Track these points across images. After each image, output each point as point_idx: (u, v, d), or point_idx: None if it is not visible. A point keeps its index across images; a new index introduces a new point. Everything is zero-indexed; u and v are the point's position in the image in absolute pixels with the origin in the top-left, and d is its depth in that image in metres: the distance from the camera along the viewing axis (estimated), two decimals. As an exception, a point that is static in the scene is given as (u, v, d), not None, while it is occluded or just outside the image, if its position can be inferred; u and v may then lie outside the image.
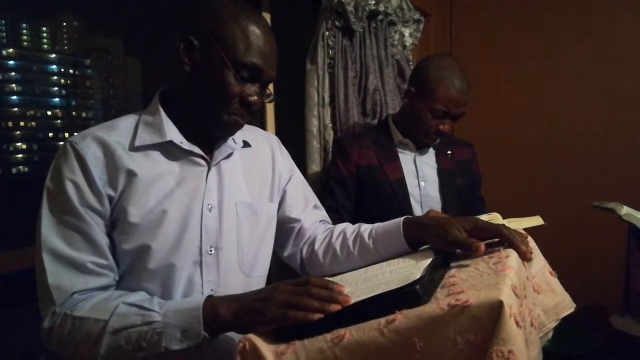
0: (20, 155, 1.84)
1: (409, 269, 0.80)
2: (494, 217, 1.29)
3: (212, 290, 0.92)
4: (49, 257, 0.83)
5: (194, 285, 0.91)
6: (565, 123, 2.42)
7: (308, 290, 0.74)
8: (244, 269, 0.98)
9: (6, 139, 1.79)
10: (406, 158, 1.61)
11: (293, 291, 0.75)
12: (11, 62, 1.83)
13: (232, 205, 0.97)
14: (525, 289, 0.75)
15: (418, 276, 0.72)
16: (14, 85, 1.83)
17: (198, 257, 0.91)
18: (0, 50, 1.78)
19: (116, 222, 0.87)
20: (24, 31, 1.92)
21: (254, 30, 0.87)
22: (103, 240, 0.86)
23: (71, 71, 2.02)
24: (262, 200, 1.04)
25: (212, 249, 0.93)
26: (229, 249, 0.95)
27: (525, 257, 0.80)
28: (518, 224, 1.27)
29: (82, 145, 0.86)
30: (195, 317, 0.76)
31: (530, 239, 0.89)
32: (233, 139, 0.98)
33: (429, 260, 0.80)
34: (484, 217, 1.28)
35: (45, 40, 1.98)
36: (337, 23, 1.74)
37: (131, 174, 0.87)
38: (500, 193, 1.84)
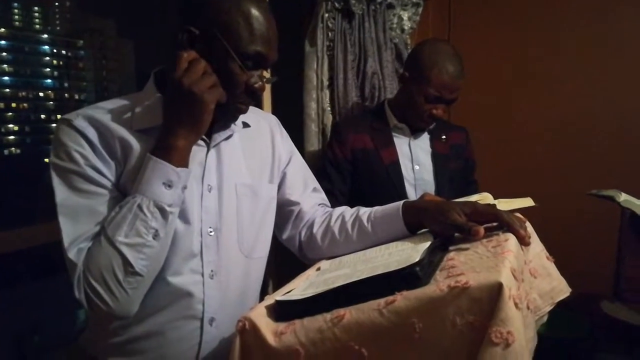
0: (12, 137, 1.83)
1: (408, 252, 0.80)
2: (485, 197, 1.30)
3: (212, 271, 0.92)
4: (64, 212, 0.82)
5: (194, 265, 0.91)
6: (562, 110, 2.43)
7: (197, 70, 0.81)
8: (244, 250, 0.98)
9: (-2, 121, 1.77)
10: (401, 142, 1.62)
11: (196, 80, 0.80)
12: (2, 42, 1.80)
13: (232, 186, 0.96)
14: (523, 272, 0.75)
15: (418, 258, 0.72)
16: (5, 66, 1.80)
17: (199, 237, 0.91)
18: (-9, 31, 1.74)
19: (122, 192, 0.87)
20: (16, 11, 1.88)
21: (257, 16, 0.85)
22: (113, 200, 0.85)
23: (64, 52, 1.99)
24: (262, 182, 1.03)
25: (212, 229, 0.93)
26: (229, 230, 0.95)
27: (523, 241, 0.81)
28: (509, 205, 1.28)
29: (78, 122, 0.85)
30: (160, 165, 0.81)
31: (528, 224, 0.90)
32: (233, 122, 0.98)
33: (427, 244, 0.80)
34: (475, 197, 1.29)
35: (37, 21, 1.95)
36: (336, 5, 1.73)
37: (129, 152, 0.87)
38: (496, 179, 1.84)
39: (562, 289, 0.89)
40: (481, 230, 0.81)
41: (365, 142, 1.59)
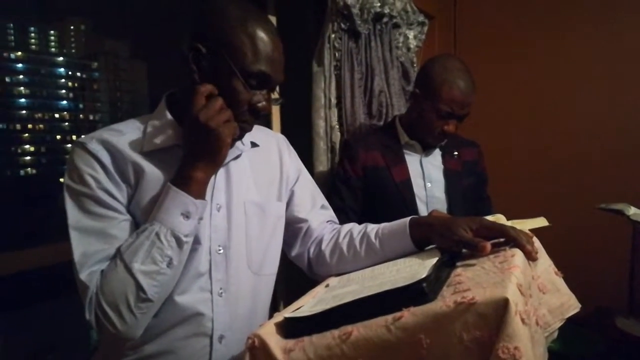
0: (28, 158, 1.87)
1: (415, 268, 0.81)
2: (498, 218, 1.30)
3: (221, 289, 0.93)
4: (76, 234, 0.84)
5: (203, 283, 0.92)
6: (570, 124, 2.42)
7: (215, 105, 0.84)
8: (252, 268, 0.99)
9: (15, 141, 1.81)
10: (412, 159, 1.62)
11: (213, 116, 0.83)
12: (19, 65, 1.86)
13: (241, 205, 0.98)
14: (531, 288, 0.75)
15: (425, 274, 0.73)
16: (22, 88, 1.85)
17: (207, 255, 0.92)
18: (9, 54, 1.80)
19: (133, 216, 0.89)
20: (32, 34, 1.95)
21: (262, 37, 0.87)
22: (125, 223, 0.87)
23: (79, 74, 2.04)
24: (270, 200, 1.05)
25: (221, 248, 0.94)
26: (238, 248, 0.96)
27: (530, 256, 0.81)
28: (522, 225, 1.28)
29: (92, 145, 0.87)
30: (179, 196, 0.84)
31: (535, 239, 0.90)
32: (241, 140, 1.00)
33: (435, 260, 0.81)
34: (489, 219, 1.29)
35: (53, 44, 2.01)
36: (342, 25, 1.75)
37: (141, 174, 0.89)
38: (505, 194, 1.84)
39: (572, 305, 0.89)
40: (488, 245, 0.82)
41: (376, 160, 1.59)
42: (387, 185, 1.57)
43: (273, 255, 1.05)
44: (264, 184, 1.04)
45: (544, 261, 0.90)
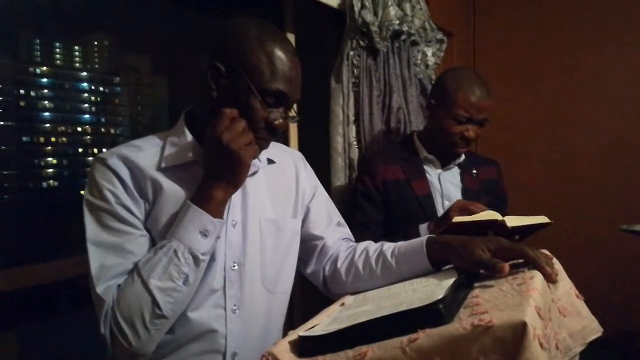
0: (50, 170, 1.90)
1: (431, 288, 0.80)
2: (490, 214, 1.27)
3: (234, 305, 0.93)
4: (94, 248, 0.85)
5: (217, 300, 0.92)
6: (590, 139, 2.39)
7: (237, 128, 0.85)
8: (267, 285, 0.99)
9: (38, 154, 1.85)
10: (431, 175, 1.61)
11: (235, 138, 0.84)
12: (44, 79, 1.90)
13: (256, 221, 0.98)
14: (551, 311, 0.74)
15: (441, 295, 0.72)
16: (46, 102, 1.89)
17: (222, 272, 0.93)
18: (35, 69, 1.85)
19: (149, 231, 0.90)
20: (57, 50, 1.99)
21: (280, 55, 0.89)
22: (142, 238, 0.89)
23: (101, 89, 2.08)
24: (285, 217, 1.05)
25: (236, 264, 0.94)
26: (253, 265, 0.97)
27: (550, 279, 0.79)
28: (520, 221, 1.25)
29: (112, 161, 0.89)
30: (199, 214, 0.85)
31: (555, 261, 0.88)
32: (258, 157, 1.00)
33: (452, 280, 0.80)
34: (484, 215, 1.26)
35: (77, 59, 2.05)
36: (361, 43, 1.77)
37: (159, 191, 0.90)
38: (522, 209, 1.81)
39: (593, 328, 0.86)
40: (506, 267, 0.80)
41: (396, 174, 1.58)
42: (408, 199, 1.56)
43: (288, 272, 1.05)
44: (279, 200, 1.05)
45: (565, 283, 0.88)
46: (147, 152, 0.93)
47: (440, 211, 1.57)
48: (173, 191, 0.91)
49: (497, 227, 1.24)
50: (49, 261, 1.42)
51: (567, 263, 0.92)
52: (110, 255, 0.85)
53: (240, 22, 0.91)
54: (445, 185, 1.61)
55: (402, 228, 1.50)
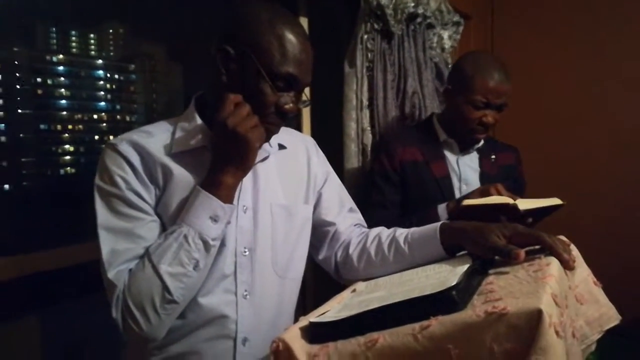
0: (68, 157, 1.92)
1: (445, 275, 0.79)
2: (502, 198, 1.24)
3: (245, 291, 0.93)
4: (105, 233, 0.86)
5: (228, 285, 0.92)
6: (614, 125, 2.33)
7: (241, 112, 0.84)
8: (278, 271, 0.99)
9: (55, 142, 1.87)
10: (449, 158, 1.59)
11: (240, 122, 0.83)
12: (61, 67, 1.92)
13: (267, 207, 0.98)
14: (567, 298, 0.72)
15: (454, 282, 0.71)
16: (63, 90, 1.91)
17: (233, 257, 0.93)
18: (51, 57, 1.86)
19: (160, 217, 0.90)
20: (73, 38, 2.00)
21: (290, 38, 0.87)
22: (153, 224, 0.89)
23: (116, 76, 2.09)
24: (297, 202, 1.04)
25: (246, 249, 0.94)
26: (263, 251, 0.96)
27: (567, 265, 0.78)
28: (533, 203, 1.23)
29: (123, 147, 0.89)
30: (208, 199, 0.84)
31: (573, 247, 0.86)
32: (269, 142, 0.99)
33: (466, 267, 0.79)
34: (494, 198, 1.24)
35: (92, 47, 2.06)
36: (375, 26, 1.73)
37: (169, 176, 0.90)
38: (540, 191, 1.78)
39: (611, 316, 0.85)
40: (522, 253, 0.79)
41: (415, 155, 1.56)
42: (426, 180, 1.54)
43: (299, 258, 1.05)
44: (291, 186, 1.04)
45: (582, 270, 0.86)
46: (157, 137, 0.93)
47: (457, 195, 1.56)
48: (183, 176, 0.90)
49: (509, 210, 1.22)
50: (67, 246, 1.44)
51: (585, 249, 0.90)
52: (121, 240, 0.85)
53: (251, 5, 0.90)
54: (464, 168, 1.58)
55: (419, 209, 1.49)
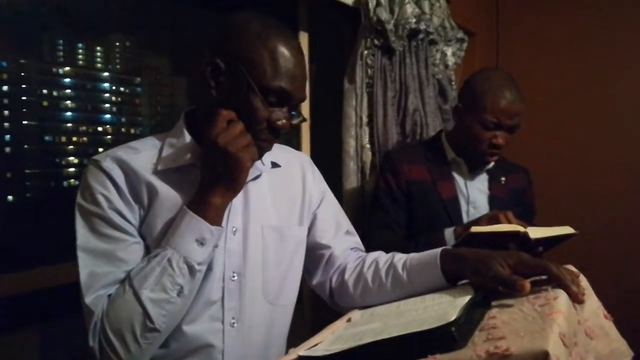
0: (72, 170, 1.91)
1: (444, 307, 0.74)
2: (513, 226, 1.19)
3: (233, 318, 0.89)
4: (84, 255, 0.82)
5: (215, 312, 0.88)
6: (621, 141, 2.28)
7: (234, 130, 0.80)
8: (268, 297, 0.94)
9: (59, 153, 1.86)
10: (457, 180, 1.53)
11: (232, 140, 0.79)
12: (67, 79, 1.92)
13: (258, 228, 0.93)
14: (576, 334, 0.67)
15: (455, 316, 0.66)
16: (68, 102, 1.91)
17: (220, 282, 0.88)
18: (58, 69, 1.87)
19: (143, 238, 0.86)
20: (80, 51, 2.01)
21: (283, 52, 0.84)
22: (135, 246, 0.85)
23: (122, 89, 2.09)
24: (290, 224, 1.00)
25: (235, 274, 0.89)
26: (253, 275, 0.92)
27: (576, 299, 0.72)
28: (544, 232, 1.18)
29: (106, 164, 0.85)
30: (195, 221, 0.80)
31: (582, 278, 0.81)
32: (261, 160, 0.96)
33: (467, 298, 0.74)
34: (504, 226, 1.19)
35: (99, 59, 2.07)
36: (376, 42, 1.71)
37: (154, 195, 0.86)
38: (549, 217, 1.73)
39: (623, 352, 0.79)
40: (527, 285, 0.73)
41: (422, 174, 1.51)
42: (432, 201, 1.49)
43: (291, 283, 1.00)
44: (284, 206, 1.00)
45: (592, 303, 0.81)
46: (144, 154, 0.89)
47: (465, 218, 1.50)
48: (169, 195, 0.86)
49: (519, 238, 1.17)
50: (70, 260, 1.41)
51: (595, 280, 0.85)
52: (100, 263, 0.81)
53: (241, 17, 0.86)
54: (472, 190, 1.53)
55: (424, 231, 1.43)
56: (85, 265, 0.81)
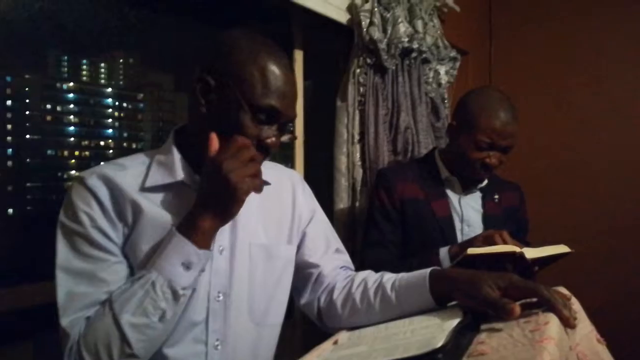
0: (74, 184, 1.92)
1: (432, 331, 0.72)
2: (509, 247, 1.17)
3: (217, 340, 0.86)
4: (63, 275, 0.80)
5: (198, 334, 0.85)
6: (613, 159, 2.27)
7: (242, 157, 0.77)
8: (255, 317, 0.92)
9: (62, 168, 1.87)
10: (451, 198, 1.51)
11: (237, 168, 0.76)
12: (70, 95, 1.94)
13: (246, 247, 0.91)
14: (568, 360, 0.65)
15: (442, 341, 0.64)
16: (71, 117, 1.93)
17: (205, 302, 0.86)
18: (62, 84, 1.89)
19: (127, 257, 0.84)
20: (84, 67, 2.03)
21: (273, 70, 0.83)
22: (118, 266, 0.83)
23: (125, 105, 2.11)
24: (279, 242, 0.98)
25: (220, 294, 0.87)
26: (239, 295, 0.89)
27: (567, 323, 0.70)
28: (540, 252, 1.16)
29: (91, 181, 0.83)
30: (182, 243, 0.77)
31: (574, 300, 0.79)
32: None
33: (456, 321, 0.72)
34: (500, 247, 1.17)
35: (102, 76, 2.09)
36: (368, 60, 1.71)
37: (139, 214, 0.84)
38: (545, 235, 1.71)
39: (617, 377, 0.77)
40: (517, 308, 0.71)
41: (415, 192, 1.49)
42: (426, 219, 1.47)
43: (279, 303, 0.97)
44: (273, 224, 0.98)
45: (585, 326, 0.79)
46: (131, 171, 0.87)
47: (459, 236, 1.48)
48: (155, 214, 0.84)
49: (515, 259, 1.14)
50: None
51: (588, 303, 0.83)
52: (80, 283, 0.79)
53: (232, 35, 0.86)
54: (466, 209, 1.51)
55: (418, 250, 1.41)
56: (64, 285, 0.79)
